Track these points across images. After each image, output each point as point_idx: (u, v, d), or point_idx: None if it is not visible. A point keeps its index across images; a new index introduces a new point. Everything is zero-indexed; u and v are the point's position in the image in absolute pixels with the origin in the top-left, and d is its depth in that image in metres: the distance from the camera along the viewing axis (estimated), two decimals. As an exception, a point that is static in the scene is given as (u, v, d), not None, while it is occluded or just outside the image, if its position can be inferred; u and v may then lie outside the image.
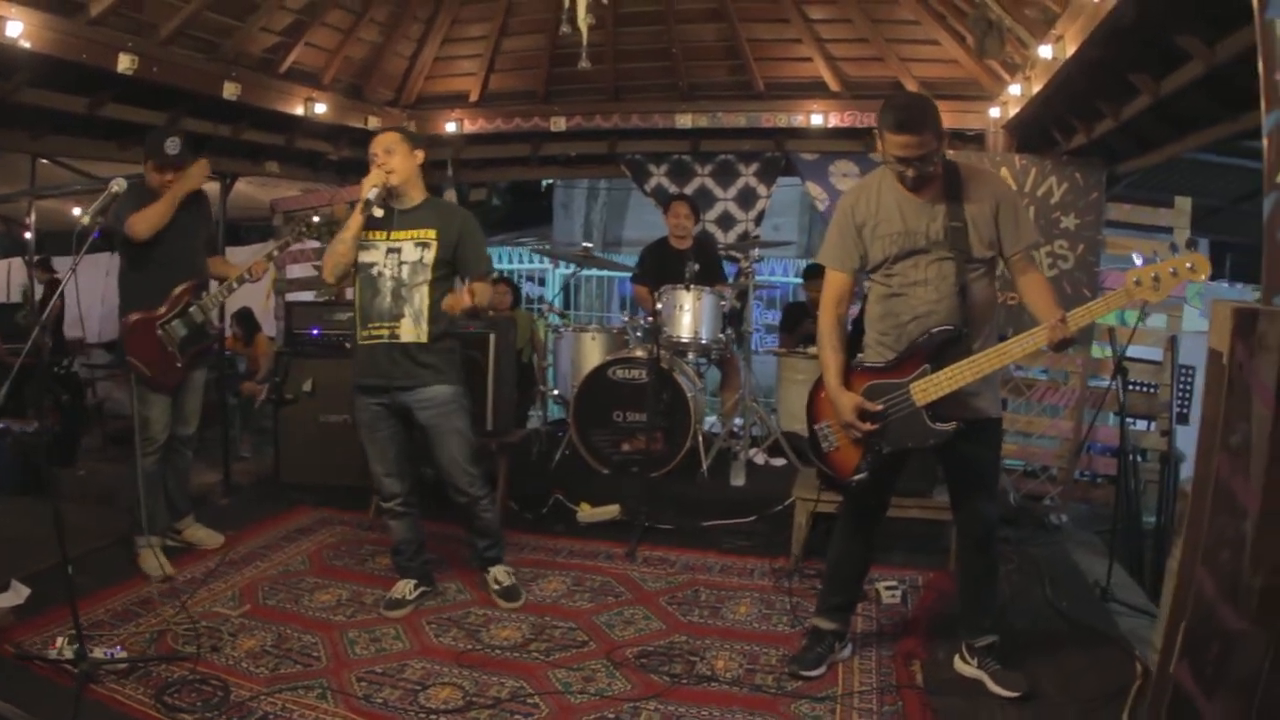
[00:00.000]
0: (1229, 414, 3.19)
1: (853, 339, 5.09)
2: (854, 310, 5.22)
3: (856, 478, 4.91)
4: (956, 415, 4.72)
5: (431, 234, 5.79)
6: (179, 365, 6.60)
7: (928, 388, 4.68)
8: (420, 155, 5.90)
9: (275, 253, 6.85)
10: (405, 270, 5.75)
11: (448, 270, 5.88)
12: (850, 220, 4.94)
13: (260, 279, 6.83)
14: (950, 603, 5.88)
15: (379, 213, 5.74)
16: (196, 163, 6.63)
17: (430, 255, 5.76)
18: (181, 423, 6.85)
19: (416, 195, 5.90)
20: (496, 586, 6.11)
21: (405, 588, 6.16)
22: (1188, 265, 4.30)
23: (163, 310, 6.51)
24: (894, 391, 4.76)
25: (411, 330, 5.76)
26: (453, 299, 5.70)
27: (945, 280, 4.75)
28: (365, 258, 5.79)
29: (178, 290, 6.55)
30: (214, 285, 6.79)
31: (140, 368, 6.44)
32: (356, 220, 5.69)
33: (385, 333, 5.77)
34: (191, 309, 6.58)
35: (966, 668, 5.17)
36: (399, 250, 5.78)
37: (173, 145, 6.50)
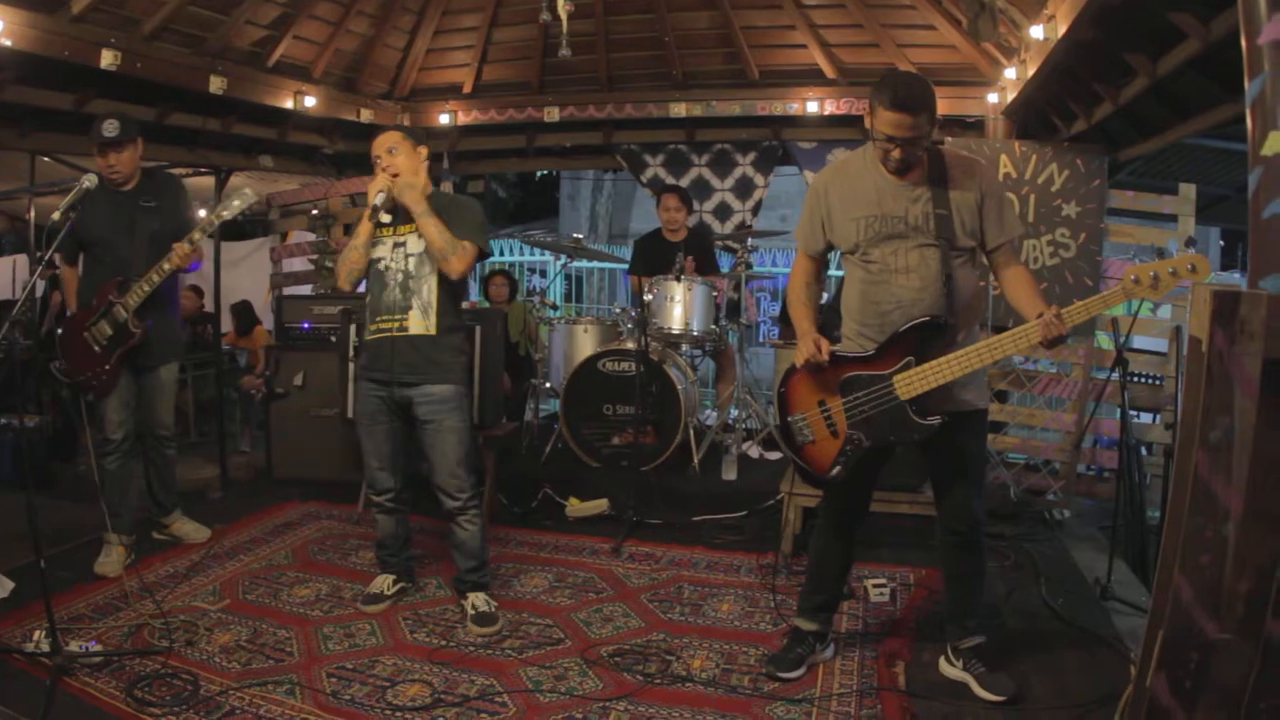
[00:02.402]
0: (1208, 407, 3.08)
1: (827, 322, 5.00)
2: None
3: (833, 472, 4.80)
4: (942, 407, 4.62)
5: None
6: (107, 367, 6.43)
7: (912, 381, 4.57)
8: (424, 151, 5.80)
9: (197, 236, 6.50)
10: (411, 263, 5.67)
11: None
12: (821, 201, 4.87)
13: (186, 265, 6.43)
14: (940, 601, 5.79)
15: (386, 218, 5.67)
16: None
17: None
18: (155, 423, 6.81)
19: None
20: (473, 611, 5.83)
21: (384, 583, 6.12)
22: (1189, 266, 4.20)
23: (92, 310, 6.41)
24: (876, 384, 4.65)
25: (420, 322, 5.66)
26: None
27: (928, 268, 4.63)
28: (374, 254, 5.73)
29: (101, 289, 6.42)
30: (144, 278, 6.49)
31: (65, 368, 6.45)
32: (366, 227, 5.66)
33: (394, 325, 5.67)
34: (115, 308, 6.38)
35: (951, 670, 5.07)
36: (404, 244, 5.70)
37: (110, 127, 6.30)
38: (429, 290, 5.67)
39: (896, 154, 4.49)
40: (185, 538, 7.03)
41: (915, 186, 4.64)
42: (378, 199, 5.57)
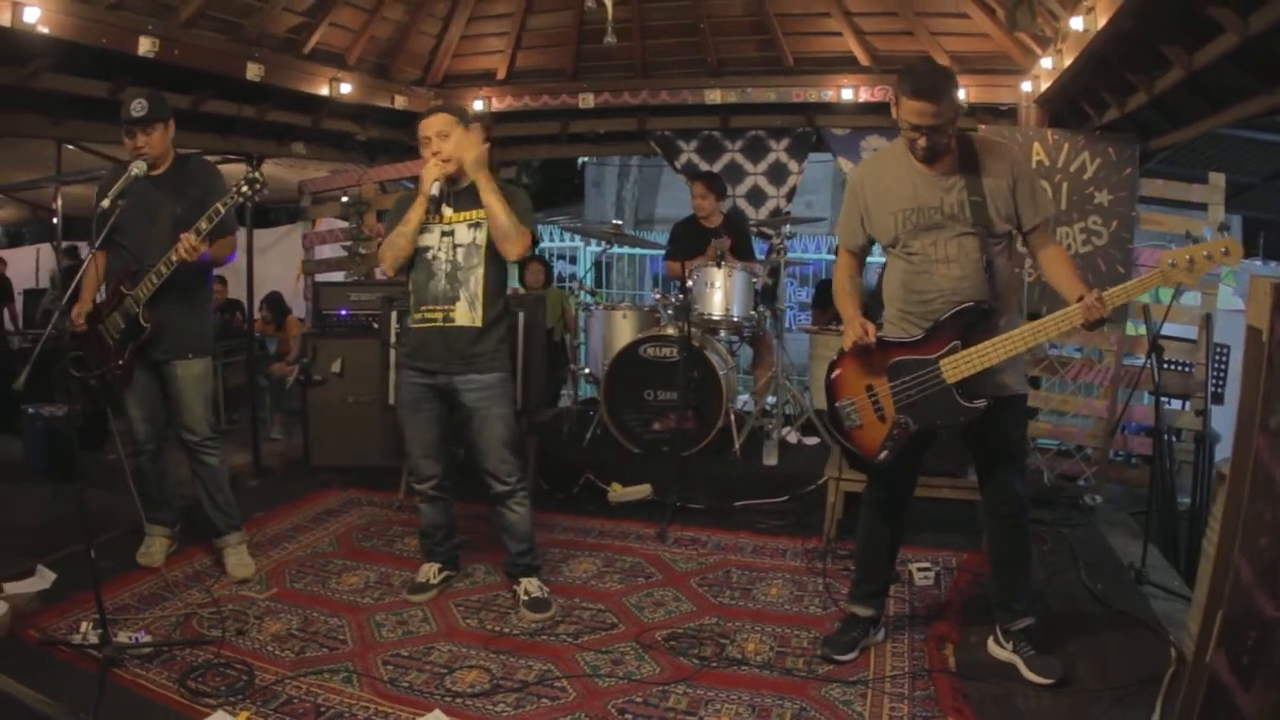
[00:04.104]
0: (1269, 394, 3.09)
1: (869, 309, 5.04)
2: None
3: (880, 456, 4.85)
4: (985, 391, 4.66)
5: (483, 214, 5.63)
6: (120, 362, 6.09)
7: (958, 364, 4.61)
8: (476, 129, 5.76)
9: (205, 225, 6.20)
10: (460, 253, 5.63)
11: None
12: (859, 197, 4.95)
13: (193, 257, 5.94)
14: (985, 584, 5.81)
15: (448, 211, 5.65)
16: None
17: (483, 235, 5.63)
18: (180, 425, 6.32)
19: (469, 176, 5.69)
20: (526, 597, 5.82)
21: (430, 571, 6.10)
22: (1222, 250, 4.32)
23: (107, 302, 6.13)
24: (923, 368, 4.70)
25: (466, 314, 5.63)
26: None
27: (968, 256, 4.69)
28: (421, 242, 5.67)
29: (115, 279, 6.12)
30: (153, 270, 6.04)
31: (80, 360, 6.17)
32: (418, 214, 5.58)
33: (439, 316, 5.64)
34: (126, 300, 6.03)
35: (1001, 651, 5.09)
36: (452, 233, 5.66)
37: (139, 107, 5.93)
38: (476, 281, 5.63)
39: (922, 142, 4.58)
40: (228, 570, 6.40)
41: (948, 176, 4.71)
42: (434, 189, 5.51)
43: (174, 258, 5.88)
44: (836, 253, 5.44)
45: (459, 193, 5.70)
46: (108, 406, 6.32)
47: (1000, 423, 4.79)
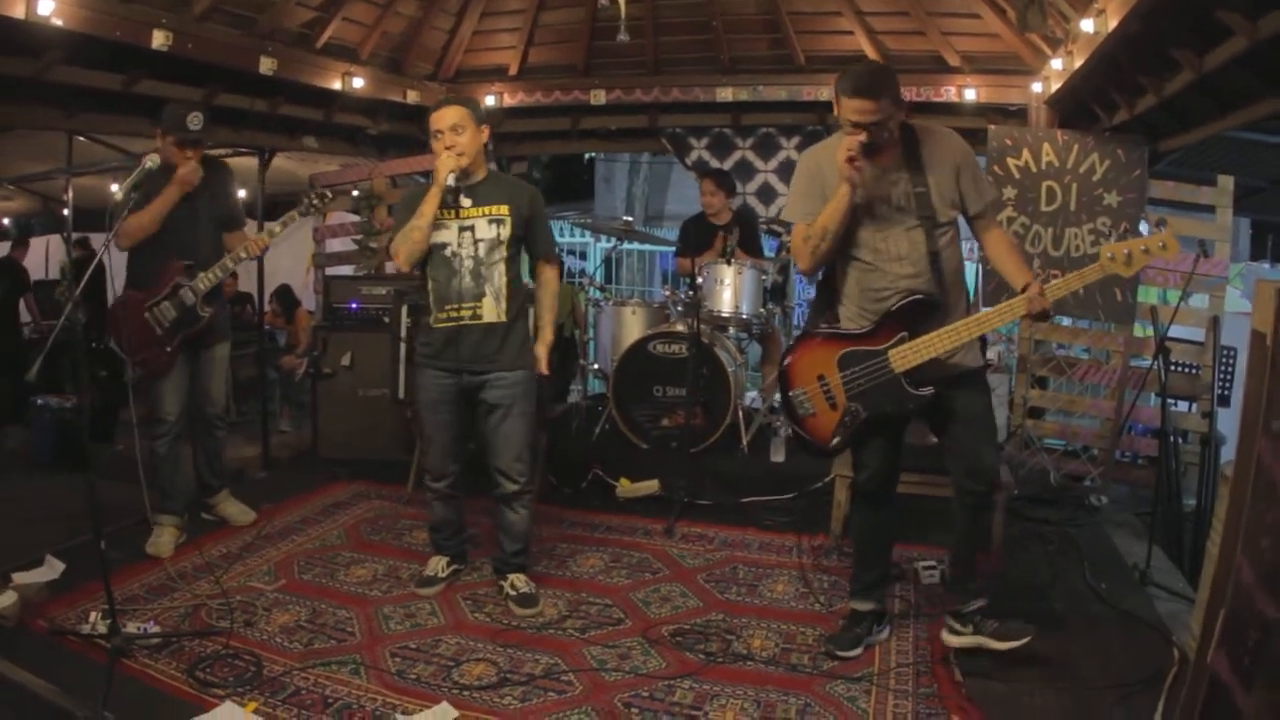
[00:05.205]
0: (1272, 397, 3.11)
1: (823, 301, 5.16)
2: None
3: (833, 443, 4.98)
4: (936, 375, 4.78)
5: (505, 210, 5.63)
6: (168, 349, 6.43)
7: (906, 354, 4.76)
8: (486, 131, 5.67)
9: (279, 229, 6.51)
10: (482, 248, 5.60)
11: (519, 248, 5.78)
12: (816, 179, 4.93)
13: (259, 256, 6.63)
14: (990, 582, 5.83)
15: (466, 201, 5.61)
16: (195, 158, 6.33)
17: (506, 232, 5.62)
18: (206, 402, 6.84)
19: (481, 170, 5.70)
20: (513, 592, 5.85)
21: (438, 565, 6.12)
22: (1159, 244, 4.62)
23: (155, 292, 6.36)
24: (872, 359, 4.82)
25: (493, 309, 5.62)
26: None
27: (918, 250, 4.80)
28: (437, 238, 5.60)
29: (166, 271, 6.36)
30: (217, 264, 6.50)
31: (121, 348, 6.40)
32: (432, 206, 5.48)
33: (467, 314, 5.61)
34: (182, 290, 6.35)
35: (959, 639, 5.09)
36: (472, 228, 5.61)
37: (195, 120, 6.28)
38: (500, 276, 5.62)
39: (864, 138, 4.60)
40: (230, 519, 7.05)
41: (893, 169, 4.80)
42: (450, 180, 5.44)
43: (243, 255, 6.38)
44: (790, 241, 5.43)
45: (475, 186, 5.66)
46: (131, 394, 6.45)
47: (958, 396, 4.87)
